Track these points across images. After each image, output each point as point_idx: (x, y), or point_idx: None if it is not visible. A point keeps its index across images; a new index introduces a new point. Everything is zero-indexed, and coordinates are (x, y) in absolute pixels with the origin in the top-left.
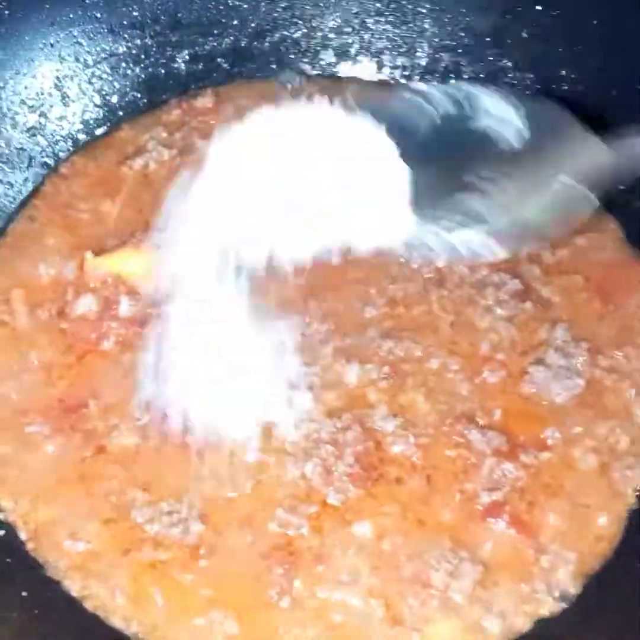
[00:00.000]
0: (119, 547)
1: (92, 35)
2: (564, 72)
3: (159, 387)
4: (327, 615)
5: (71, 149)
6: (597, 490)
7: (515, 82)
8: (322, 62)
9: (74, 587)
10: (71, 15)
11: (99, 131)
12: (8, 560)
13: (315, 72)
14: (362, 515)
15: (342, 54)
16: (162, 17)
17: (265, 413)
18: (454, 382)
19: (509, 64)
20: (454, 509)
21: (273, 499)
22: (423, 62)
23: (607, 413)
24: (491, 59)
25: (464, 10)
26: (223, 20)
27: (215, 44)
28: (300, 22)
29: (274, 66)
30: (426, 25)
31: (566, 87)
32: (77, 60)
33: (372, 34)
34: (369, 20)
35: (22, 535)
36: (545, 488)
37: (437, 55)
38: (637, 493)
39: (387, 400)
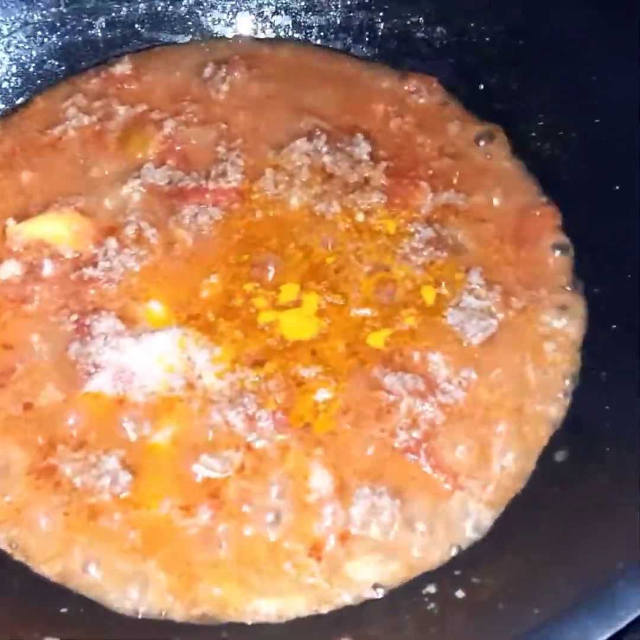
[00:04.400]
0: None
1: (5, 3)
2: (473, 24)
3: (84, 346)
4: (250, 553)
5: None
6: (510, 427)
7: (427, 36)
8: (238, 24)
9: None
10: None
11: (18, 101)
12: None
13: (232, 35)
14: (286, 459)
15: (258, 15)
16: None
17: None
18: (372, 329)
19: (421, 18)
20: (374, 448)
21: (197, 445)
22: (338, 20)
23: (520, 352)
24: (403, 14)
25: None
26: None
27: (131, 9)
28: None
29: (191, 30)
30: None
31: (475, 40)
32: None
33: None
34: None
35: None
36: (459, 426)
37: (350, 13)
38: (550, 433)
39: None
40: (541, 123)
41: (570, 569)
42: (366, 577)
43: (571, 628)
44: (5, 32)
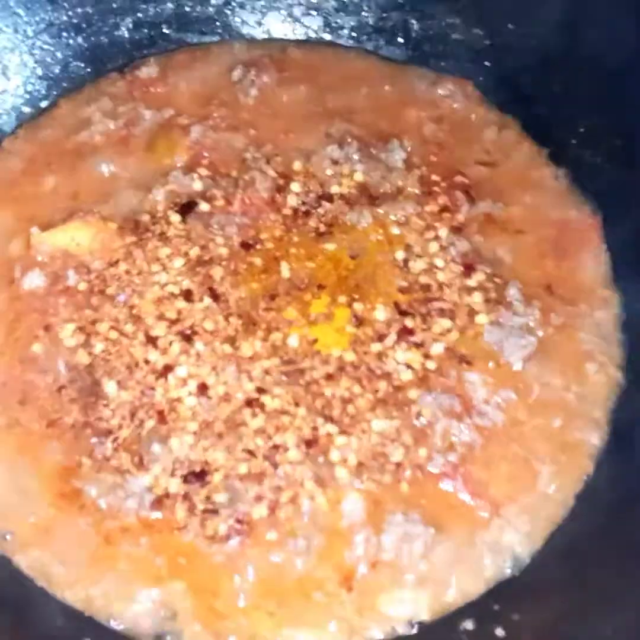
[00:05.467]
0: None
1: (30, 5)
2: (511, 26)
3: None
4: (278, 582)
5: (15, 122)
6: (551, 452)
7: (464, 37)
8: (268, 26)
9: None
10: None
11: (43, 104)
12: None
13: (262, 36)
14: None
15: (288, 16)
16: None
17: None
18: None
19: (457, 20)
20: (409, 472)
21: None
22: (371, 22)
23: (560, 372)
24: (439, 15)
25: None
26: None
27: (158, 9)
28: None
29: (219, 31)
30: None
31: (513, 42)
32: (16, 31)
33: None
34: None
35: None
36: (498, 450)
37: (384, 14)
38: (592, 458)
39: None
40: (582, 130)
41: (618, 609)
42: (399, 610)
43: None
44: (30, 33)
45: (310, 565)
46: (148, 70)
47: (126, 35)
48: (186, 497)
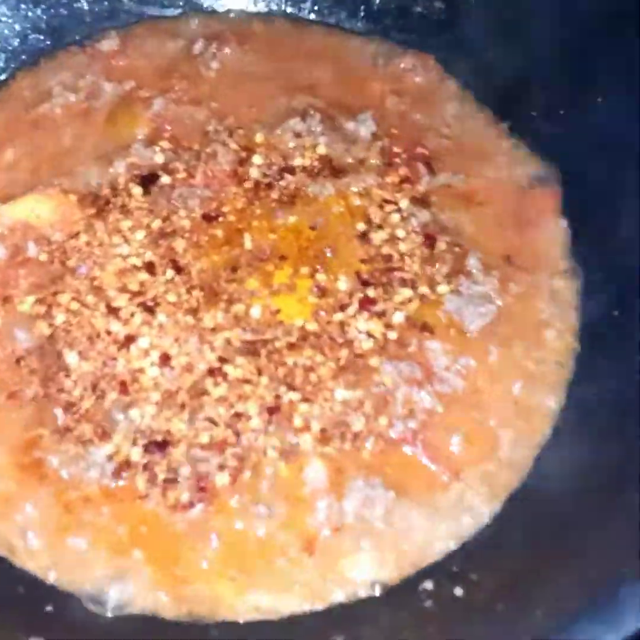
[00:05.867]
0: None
1: None
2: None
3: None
4: (241, 548)
5: None
6: (510, 417)
7: (425, 11)
8: None
9: None
10: None
11: (1, 77)
12: None
13: (223, 10)
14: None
15: None
16: None
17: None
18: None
19: None
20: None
21: None
22: None
23: (519, 339)
24: None
25: None
26: None
27: None
28: None
29: (180, 4)
30: None
31: (473, 15)
32: None
33: None
34: None
35: None
36: (458, 416)
37: None
38: (549, 423)
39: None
40: (542, 101)
41: (574, 569)
42: (361, 573)
43: (575, 630)
44: None
45: (273, 531)
46: (108, 43)
47: (86, 7)
48: (147, 466)
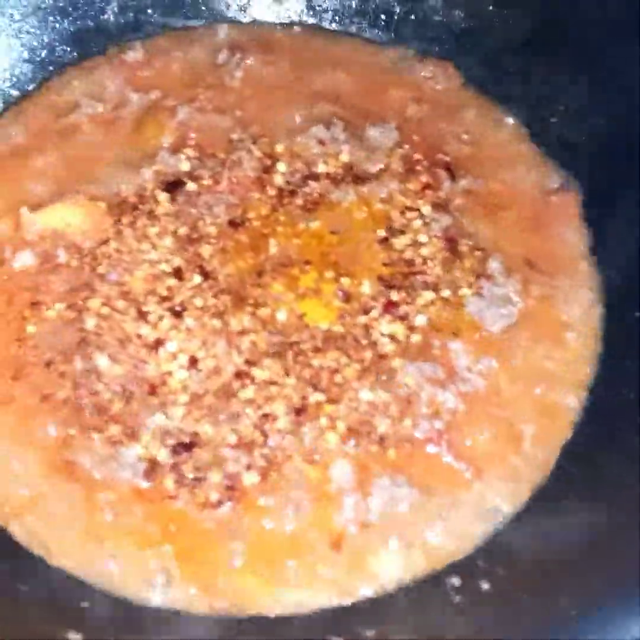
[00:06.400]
0: None
1: None
2: (492, 8)
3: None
4: (270, 546)
5: (2, 105)
6: (532, 417)
7: (446, 19)
8: (252, 9)
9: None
10: None
11: (29, 87)
12: None
13: (246, 20)
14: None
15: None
16: None
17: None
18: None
19: (438, 2)
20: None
21: None
22: (353, 4)
23: (540, 340)
24: None
25: None
26: None
27: None
28: None
29: (204, 15)
30: None
31: (494, 23)
32: (2, 15)
33: None
34: None
35: None
36: (480, 416)
37: None
38: (571, 422)
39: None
40: (562, 108)
41: (602, 562)
42: (388, 569)
43: (605, 624)
44: (16, 17)
45: (300, 528)
46: (134, 54)
47: (112, 19)
48: (175, 467)
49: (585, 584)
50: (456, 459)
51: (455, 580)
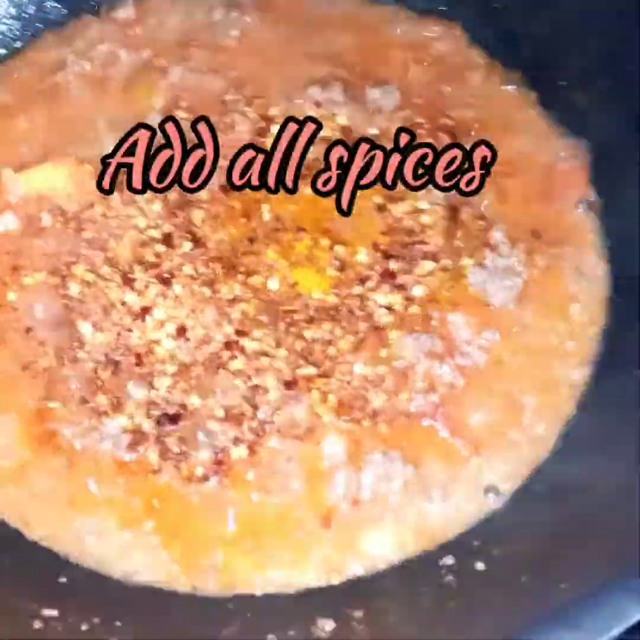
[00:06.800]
0: None
1: None
2: None
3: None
4: (258, 521)
5: None
6: (533, 392)
7: None
8: None
9: None
10: None
11: (17, 45)
12: None
13: None
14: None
15: None
16: None
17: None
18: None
19: None
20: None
21: None
22: None
23: (545, 313)
24: None
25: None
26: None
27: None
28: None
29: None
30: None
31: None
32: None
33: None
34: None
35: None
36: (479, 390)
37: None
38: (573, 398)
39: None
40: (572, 71)
41: (600, 543)
42: (379, 547)
43: (604, 605)
44: None
45: (290, 504)
46: (125, 11)
47: None
48: (160, 439)
49: (582, 565)
50: (453, 435)
51: (449, 560)
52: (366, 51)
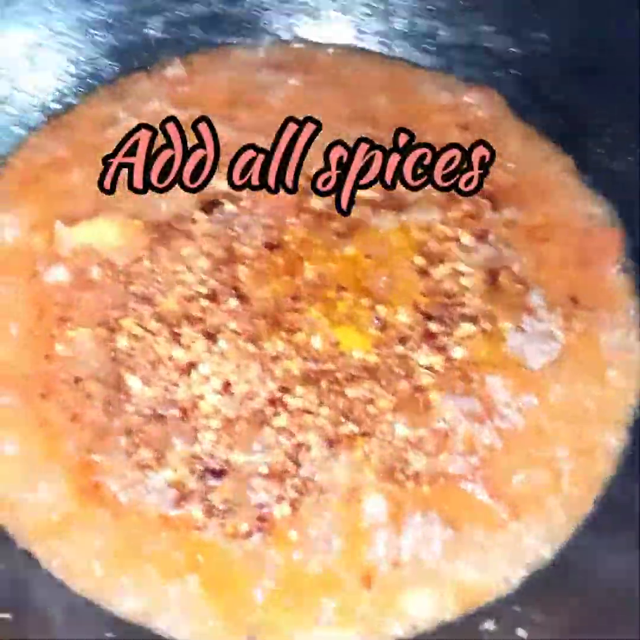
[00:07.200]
0: None
1: (62, 1)
2: (539, 35)
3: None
4: (302, 571)
5: (42, 118)
6: (571, 456)
7: (492, 45)
8: (296, 27)
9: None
10: None
11: (70, 100)
12: None
13: (288, 37)
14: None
15: (317, 18)
16: None
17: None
18: (429, 350)
19: (486, 28)
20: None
21: None
22: (399, 27)
23: (582, 377)
24: (468, 23)
25: None
26: None
27: (187, 10)
28: None
29: (247, 32)
30: None
31: (541, 52)
32: (47, 27)
33: None
34: None
35: None
36: (518, 453)
37: (413, 20)
38: (611, 462)
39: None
40: (608, 140)
41: None
42: (419, 609)
43: None
44: (62, 29)
45: (330, 563)
46: (175, 70)
47: (155, 34)
48: (204, 496)
49: (627, 632)
50: (492, 497)
51: (489, 625)
52: (407, 115)
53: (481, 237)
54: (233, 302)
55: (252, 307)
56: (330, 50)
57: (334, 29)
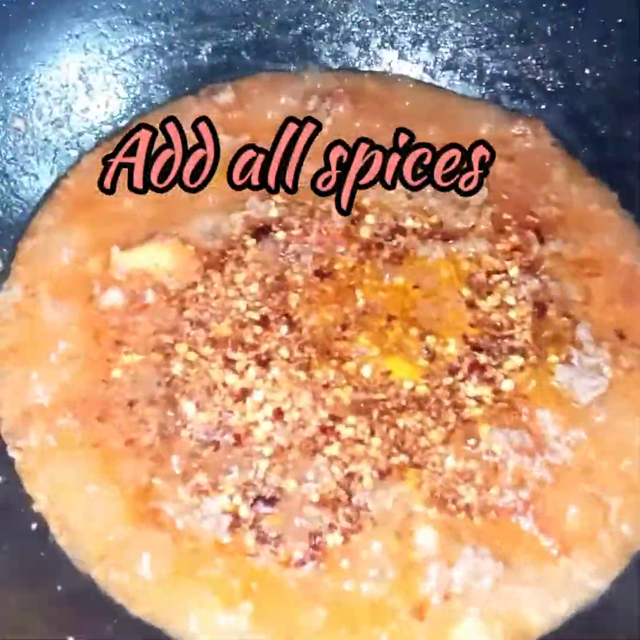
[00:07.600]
0: None
1: (116, 26)
2: (587, 70)
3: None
4: (351, 610)
5: (95, 141)
6: (621, 492)
7: (538, 78)
8: (344, 56)
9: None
10: (96, 6)
11: (122, 123)
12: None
13: (337, 66)
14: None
15: (365, 47)
16: (186, 9)
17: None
18: (477, 382)
19: (533, 60)
20: (478, 506)
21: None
22: (446, 57)
23: (629, 414)
24: (515, 55)
25: (488, 6)
26: (247, 13)
27: (238, 36)
28: (323, 15)
29: (296, 59)
30: (450, 20)
31: (588, 85)
32: (101, 51)
33: (395, 28)
34: (392, 14)
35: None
36: (568, 488)
37: (459, 51)
38: None
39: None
40: None
41: None
42: None
43: None
44: (114, 54)
45: (383, 594)
46: (225, 96)
47: (205, 59)
48: (255, 523)
49: None
50: (542, 532)
51: None
52: None
53: (528, 269)
54: (284, 329)
55: (302, 334)
56: (377, 78)
57: (381, 57)
